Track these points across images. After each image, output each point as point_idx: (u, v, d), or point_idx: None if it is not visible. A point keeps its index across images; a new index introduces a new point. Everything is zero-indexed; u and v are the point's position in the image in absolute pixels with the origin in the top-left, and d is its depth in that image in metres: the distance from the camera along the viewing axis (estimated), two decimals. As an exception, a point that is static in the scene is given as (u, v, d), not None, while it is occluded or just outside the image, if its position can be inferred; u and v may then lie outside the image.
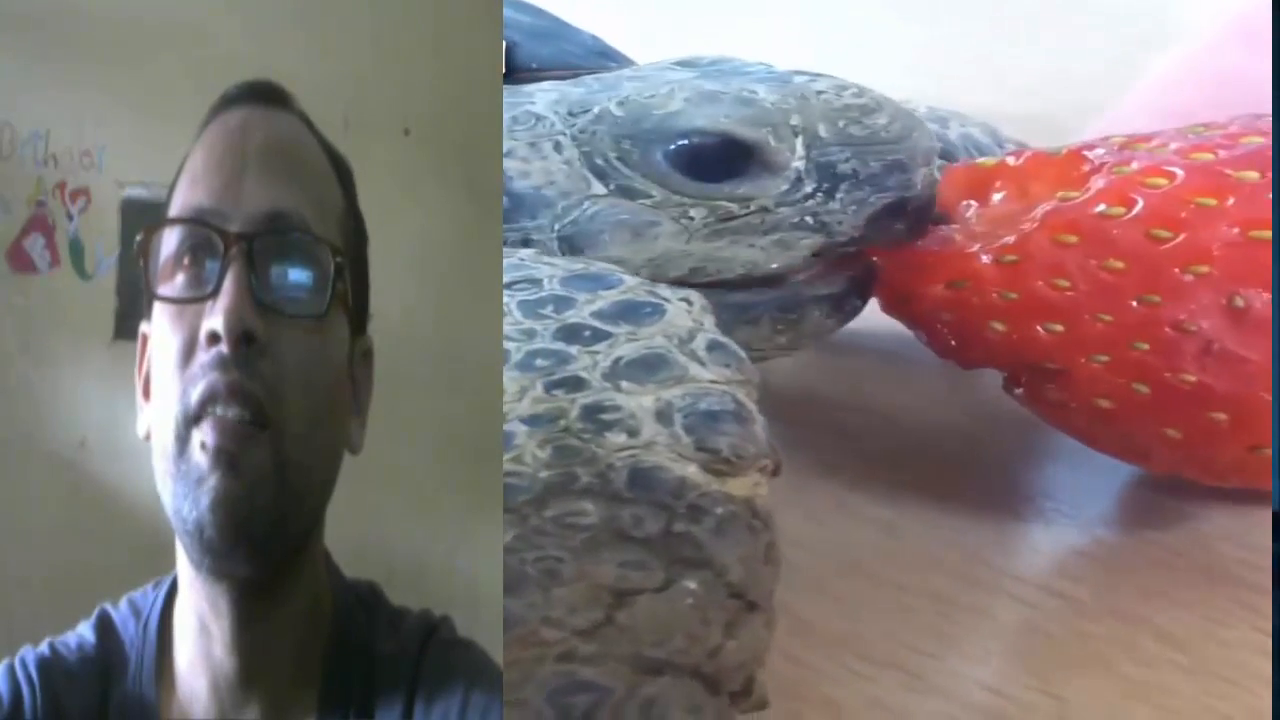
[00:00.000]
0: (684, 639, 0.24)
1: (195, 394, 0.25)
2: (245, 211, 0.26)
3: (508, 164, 0.37)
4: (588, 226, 0.36)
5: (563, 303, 0.30)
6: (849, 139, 0.36)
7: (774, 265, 0.36)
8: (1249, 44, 0.43)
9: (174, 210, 0.26)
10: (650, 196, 0.36)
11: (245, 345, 0.25)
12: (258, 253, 0.25)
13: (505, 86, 0.40)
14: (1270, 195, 0.33)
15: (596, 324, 0.29)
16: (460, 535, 0.50)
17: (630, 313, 0.30)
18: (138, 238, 0.26)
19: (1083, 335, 0.34)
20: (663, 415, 0.27)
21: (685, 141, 0.36)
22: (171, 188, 0.27)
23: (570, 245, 0.36)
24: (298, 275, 0.26)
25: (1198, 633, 0.34)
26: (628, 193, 0.36)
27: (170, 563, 0.27)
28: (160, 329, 0.26)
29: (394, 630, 0.28)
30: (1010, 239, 0.35)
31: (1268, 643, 0.34)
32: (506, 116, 0.38)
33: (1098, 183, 0.35)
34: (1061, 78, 0.63)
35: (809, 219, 0.36)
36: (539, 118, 0.37)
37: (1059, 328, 0.34)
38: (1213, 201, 0.33)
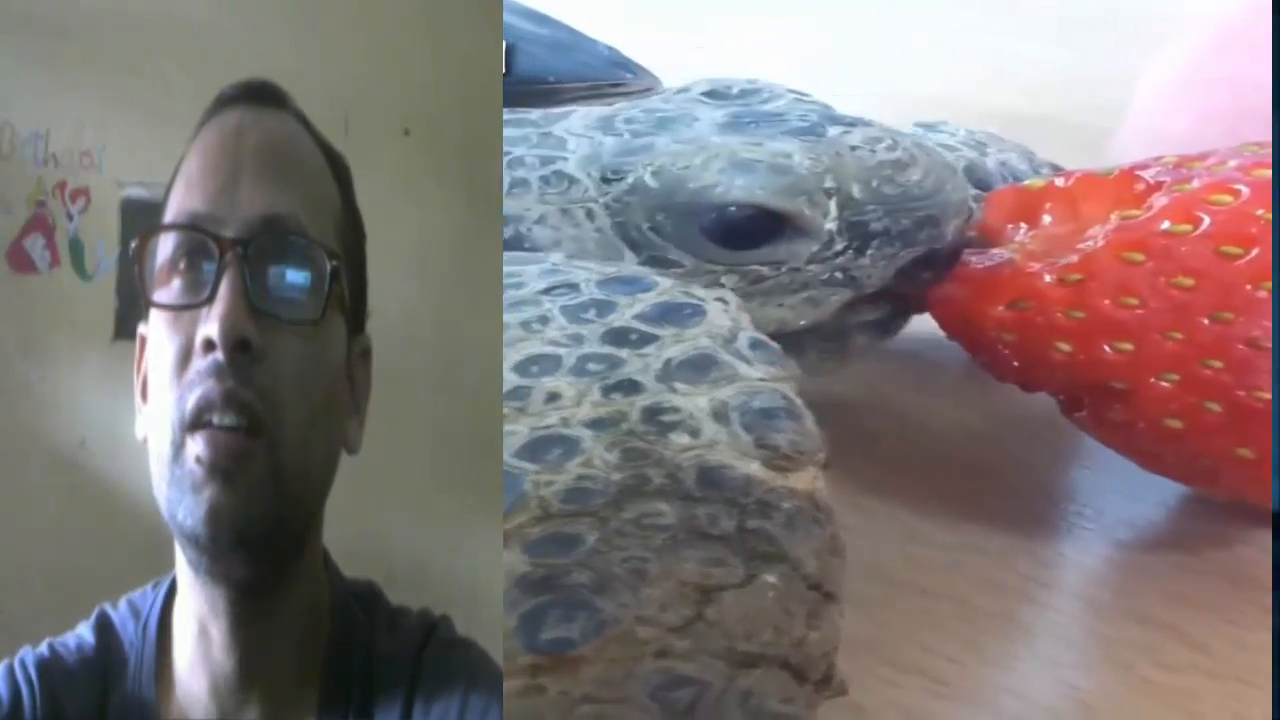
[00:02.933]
0: (771, 632, 0.25)
1: (191, 401, 0.25)
2: (240, 216, 0.26)
3: (539, 231, 0.36)
4: None
5: (604, 306, 0.30)
6: (882, 198, 0.36)
7: (803, 322, 0.36)
8: (1254, 45, 0.43)
9: (169, 215, 0.26)
10: (682, 266, 0.36)
11: (241, 352, 0.25)
12: (253, 258, 0.25)
13: (533, 117, 0.40)
14: None
15: (641, 327, 0.30)
16: (460, 535, 0.50)
17: (672, 314, 0.30)
18: (133, 243, 0.26)
19: (1152, 354, 0.33)
20: (719, 415, 0.27)
21: (719, 214, 0.35)
22: (167, 191, 0.27)
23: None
24: (294, 279, 0.26)
25: (1221, 637, 0.34)
26: (660, 262, 0.36)
27: (169, 563, 0.27)
28: (156, 334, 0.26)
29: (393, 630, 0.28)
30: (1074, 258, 0.34)
31: None
32: (541, 169, 0.37)
33: (1160, 200, 0.34)
34: (1078, 77, 0.63)
35: (838, 274, 0.36)
36: (572, 180, 0.37)
37: (1128, 347, 0.34)
38: None
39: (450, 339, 0.51)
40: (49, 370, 0.52)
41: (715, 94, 0.39)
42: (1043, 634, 0.35)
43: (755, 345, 0.30)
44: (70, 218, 0.53)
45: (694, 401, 0.28)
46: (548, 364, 0.29)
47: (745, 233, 0.36)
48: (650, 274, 0.32)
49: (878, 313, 0.38)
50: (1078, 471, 0.41)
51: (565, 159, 0.37)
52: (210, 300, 0.25)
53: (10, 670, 0.28)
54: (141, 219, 0.51)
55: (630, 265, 0.34)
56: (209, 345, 0.25)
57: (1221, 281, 0.33)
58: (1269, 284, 0.33)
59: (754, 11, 0.76)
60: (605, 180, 0.36)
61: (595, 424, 0.27)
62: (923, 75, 0.66)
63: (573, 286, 0.31)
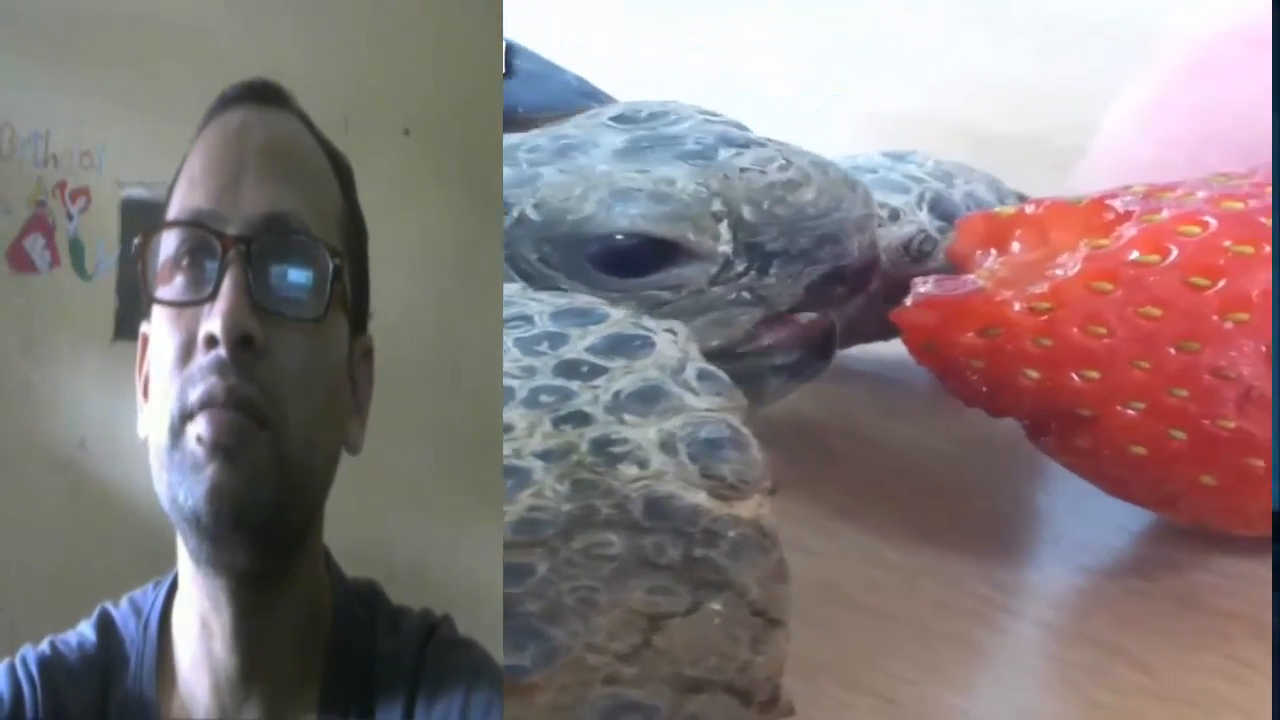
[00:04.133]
0: (717, 658, 0.26)
1: (192, 395, 0.25)
2: (243, 214, 0.26)
3: None
4: None
5: (557, 339, 0.31)
6: (774, 218, 0.36)
7: (714, 342, 0.36)
8: (1221, 73, 0.43)
9: (172, 213, 0.26)
10: (577, 296, 0.35)
11: (243, 349, 0.25)
12: (256, 255, 0.25)
13: None
14: None
15: (592, 359, 0.30)
16: (460, 535, 0.50)
17: (622, 346, 0.31)
18: (135, 240, 0.26)
19: (1119, 382, 0.34)
20: (667, 445, 0.28)
21: (603, 244, 0.35)
22: (170, 189, 0.27)
23: None
24: (296, 277, 0.26)
25: (1169, 660, 0.34)
26: (557, 292, 0.35)
27: (170, 562, 0.27)
28: (159, 331, 0.26)
29: (395, 629, 0.28)
30: (1043, 287, 0.35)
31: (1239, 670, 0.34)
32: None
33: (1128, 231, 0.34)
34: (1053, 95, 0.63)
35: (745, 294, 0.36)
36: None
37: (1095, 375, 0.34)
38: (1249, 249, 0.33)
39: (450, 339, 0.51)
40: (49, 370, 0.52)
41: (624, 118, 0.39)
42: (997, 656, 0.36)
43: (703, 376, 0.30)
44: (70, 218, 0.53)
45: (642, 432, 0.28)
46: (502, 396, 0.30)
47: (633, 261, 0.36)
48: (601, 305, 0.33)
49: (791, 356, 0.38)
50: (1038, 495, 0.41)
51: None
52: (213, 297, 0.25)
53: (11, 668, 0.28)
54: (141, 219, 0.51)
55: (583, 296, 0.34)
56: (211, 341, 0.25)
57: (1189, 312, 0.33)
58: (1236, 315, 0.33)
59: (742, 26, 0.76)
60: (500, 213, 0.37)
61: (546, 455, 0.28)
62: (905, 93, 0.66)
63: (527, 319, 0.32)
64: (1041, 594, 0.37)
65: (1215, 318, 0.33)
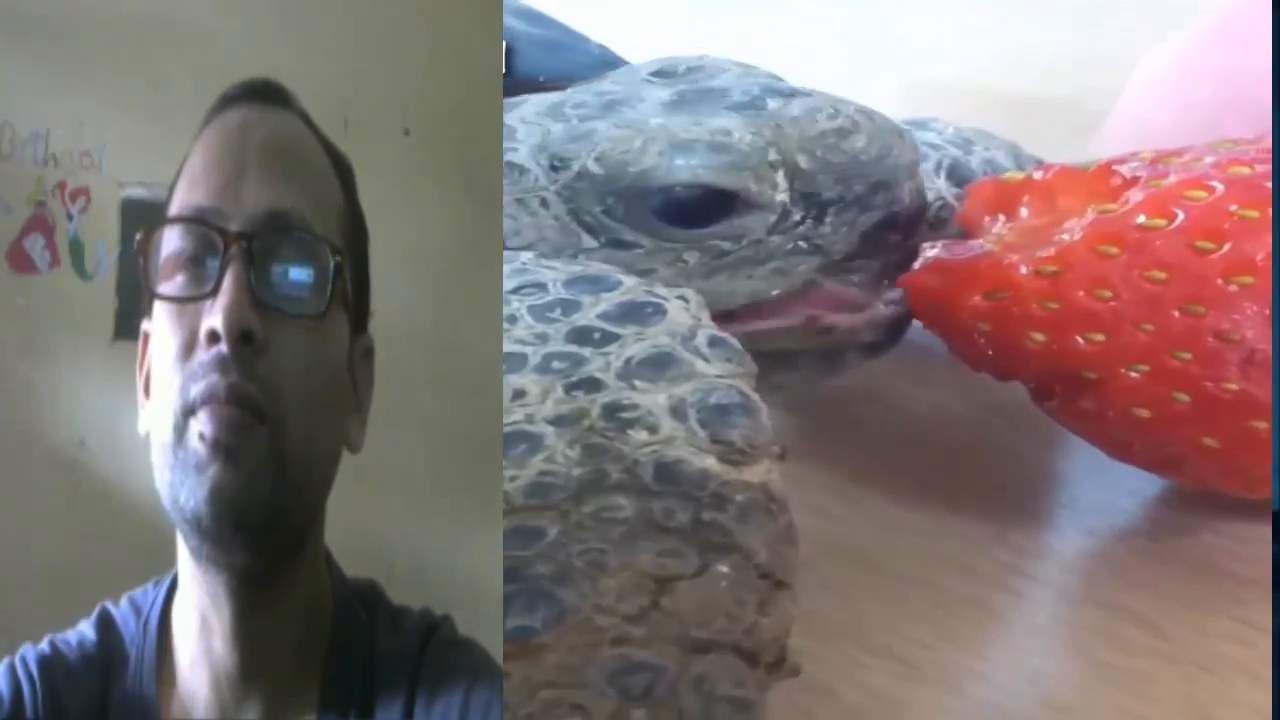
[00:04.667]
0: (724, 619, 0.26)
1: (194, 392, 0.25)
2: (245, 211, 0.26)
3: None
4: None
5: (569, 306, 0.31)
6: (828, 166, 0.36)
7: (775, 291, 0.37)
8: (1246, 38, 0.43)
9: (174, 209, 0.26)
10: (641, 247, 0.36)
11: (245, 344, 0.25)
12: (257, 252, 0.26)
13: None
14: None
15: (604, 325, 0.31)
16: (460, 535, 0.50)
17: (634, 313, 0.31)
18: (137, 236, 0.26)
19: (1124, 345, 0.34)
20: (677, 411, 0.29)
21: (666, 195, 0.36)
22: (171, 187, 0.27)
23: None
24: (297, 274, 0.26)
25: (1181, 622, 0.35)
26: (620, 245, 0.37)
27: (170, 561, 0.27)
28: (160, 327, 0.26)
29: (395, 629, 0.28)
30: (1050, 250, 0.35)
31: (1248, 632, 0.34)
32: None
33: (1135, 195, 0.35)
34: (1087, 61, 0.63)
35: (802, 243, 0.37)
36: (522, 170, 0.37)
37: (1100, 338, 0.34)
38: (1255, 214, 0.34)
39: (450, 339, 0.51)
40: (49, 370, 0.52)
41: (663, 73, 0.40)
42: (1011, 619, 0.36)
43: (714, 343, 0.30)
44: (70, 218, 0.53)
45: (653, 398, 0.29)
46: (514, 362, 0.30)
47: (695, 211, 0.36)
48: (615, 273, 0.33)
49: (876, 336, 0.39)
50: (1056, 459, 0.41)
51: (515, 149, 0.38)
52: (214, 293, 0.25)
53: (11, 667, 0.28)
54: (141, 219, 0.51)
55: (596, 264, 0.34)
56: (213, 337, 0.25)
57: (1194, 275, 0.34)
58: (1240, 279, 0.33)
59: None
60: (553, 168, 0.37)
61: (558, 420, 0.28)
62: (939, 60, 0.66)
63: (540, 286, 0.32)
64: (1056, 557, 0.38)
65: (1220, 281, 0.33)
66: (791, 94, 0.37)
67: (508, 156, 0.38)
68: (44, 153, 0.52)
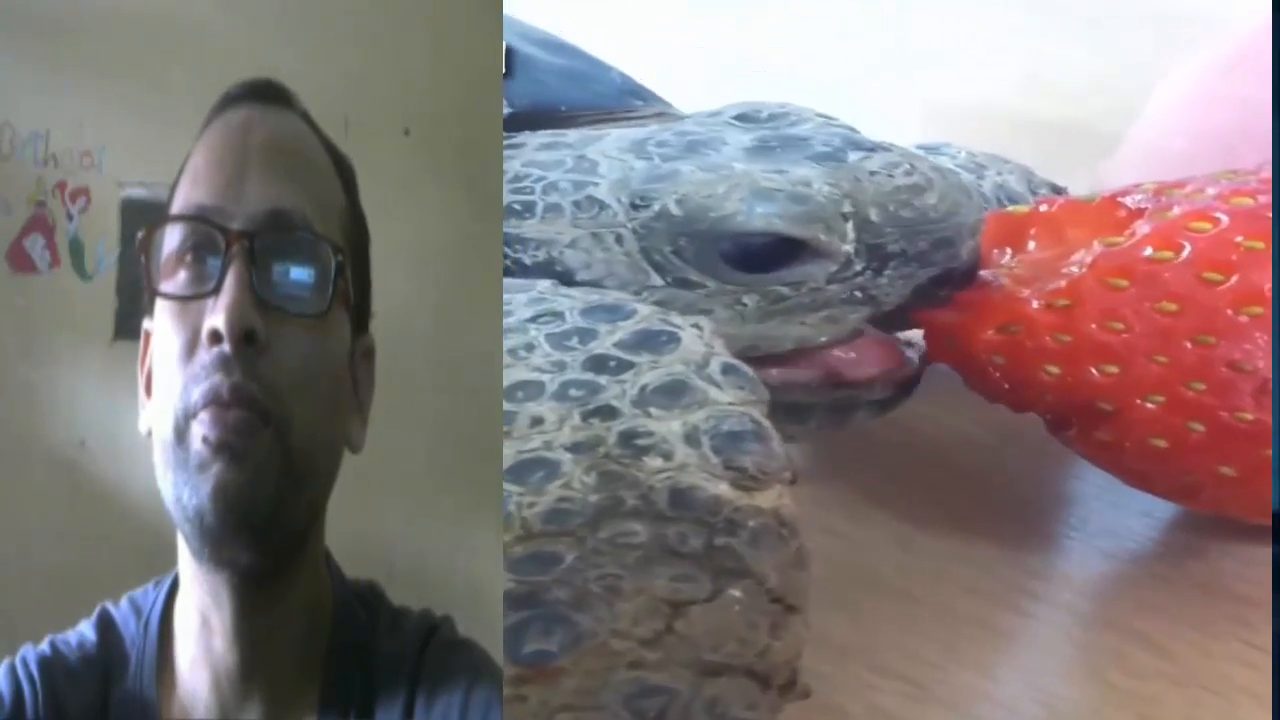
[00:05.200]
0: (736, 643, 0.27)
1: (197, 392, 0.25)
2: (247, 209, 0.26)
3: (570, 254, 0.38)
4: None
5: (586, 334, 0.32)
6: (899, 221, 0.36)
7: (823, 339, 0.37)
8: (1262, 68, 0.43)
9: (176, 208, 0.26)
10: (705, 287, 0.37)
11: (247, 343, 0.25)
12: (259, 250, 0.26)
13: (569, 140, 0.41)
14: None
15: (620, 354, 0.31)
16: (460, 535, 0.50)
17: (648, 341, 0.31)
18: (139, 234, 0.26)
19: (1138, 376, 0.34)
20: (691, 438, 0.29)
21: (737, 240, 0.37)
22: (174, 186, 0.27)
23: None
24: (299, 273, 0.26)
25: (1189, 645, 0.35)
26: (684, 284, 0.37)
27: (170, 562, 0.27)
28: (162, 326, 0.26)
29: (395, 630, 0.28)
30: (1060, 284, 0.35)
31: (1255, 656, 0.34)
32: (574, 194, 0.38)
33: (1142, 228, 0.35)
34: (1103, 83, 0.63)
35: (857, 294, 0.37)
36: (603, 206, 0.38)
37: (1114, 369, 0.35)
38: (1260, 245, 0.34)
39: (450, 339, 0.51)
40: (49, 370, 0.52)
41: (745, 117, 0.40)
42: (1020, 640, 0.36)
43: (727, 370, 0.31)
44: (70, 218, 0.53)
45: (667, 425, 0.29)
46: (532, 390, 0.30)
47: (764, 257, 0.37)
48: (630, 301, 0.34)
49: (887, 394, 0.39)
50: (1067, 480, 0.41)
51: (597, 184, 0.38)
52: (216, 292, 0.25)
53: (12, 668, 0.28)
54: (141, 219, 0.51)
55: (613, 293, 0.35)
56: (215, 336, 0.25)
57: (1204, 306, 0.34)
58: (1250, 309, 0.34)
59: (788, 16, 0.75)
60: (634, 206, 0.38)
61: (575, 447, 0.29)
62: (955, 81, 0.67)
63: (557, 315, 0.33)
64: (1067, 579, 0.38)
65: (1230, 312, 0.34)
66: (872, 148, 0.38)
67: (588, 191, 0.38)
68: (44, 153, 0.52)
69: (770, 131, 0.39)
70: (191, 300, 0.25)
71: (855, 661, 0.34)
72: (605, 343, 0.31)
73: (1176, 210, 0.35)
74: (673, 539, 0.27)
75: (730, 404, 0.30)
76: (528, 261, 0.38)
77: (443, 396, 0.51)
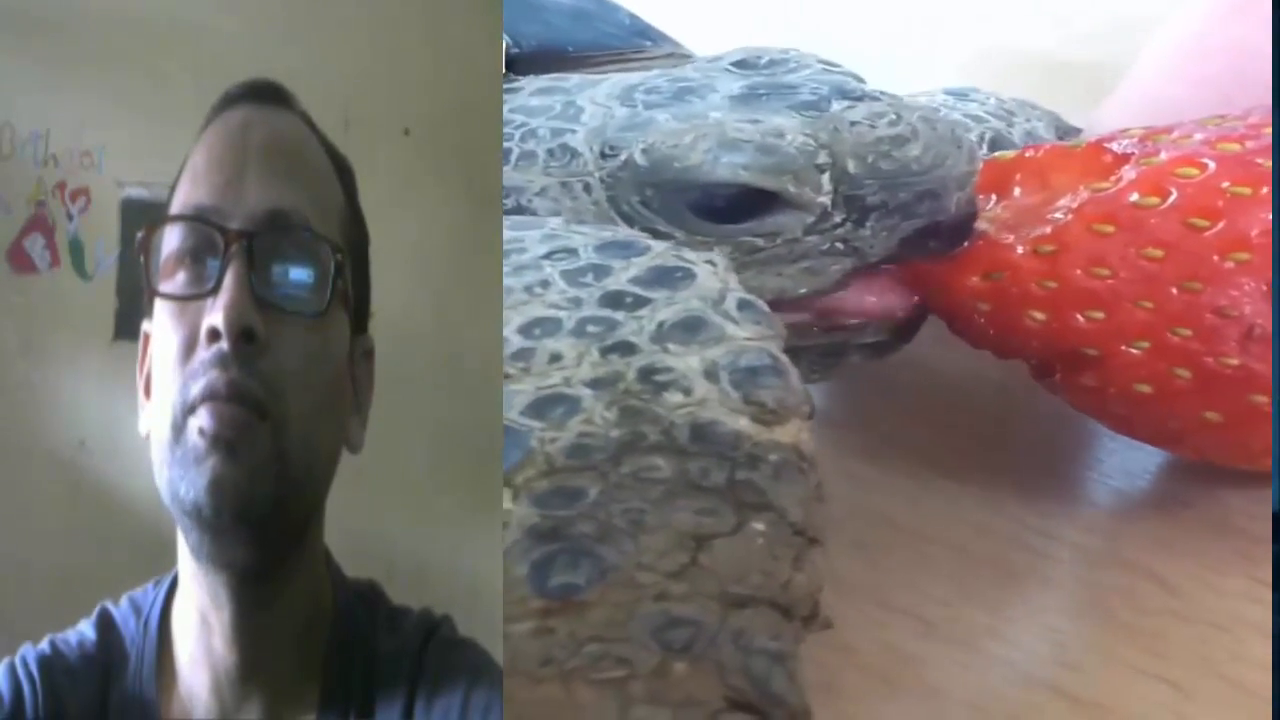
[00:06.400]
0: (760, 575, 0.27)
1: (195, 389, 0.25)
2: (246, 209, 0.26)
3: (539, 202, 0.37)
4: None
5: (601, 271, 0.32)
6: (878, 173, 0.36)
7: (802, 290, 0.37)
8: (1259, 14, 0.43)
9: (175, 208, 0.26)
10: (673, 239, 0.36)
11: (246, 342, 0.25)
12: (258, 250, 0.26)
13: (568, 84, 0.40)
14: None
15: (636, 290, 0.31)
16: (460, 535, 0.50)
17: (664, 278, 0.31)
18: (139, 235, 0.26)
19: (1123, 322, 0.34)
20: (710, 373, 0.29)
21: (704, 191, 0.36)
22: (173, 186, 0.27)
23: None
24: (298, 273, 0.26)
25: (1196, 581, 0.35)
26: (652, 235, 0.36)
27: (170, 561, 0.27)
28: (161, 326, 0.26)
29: (395, 629, 0.28)
30: (1046, 230, 0.35)
31: (1262, 592, 0.35)
32: (550, 141, 0.38)
33: (1128, 173, 0.35)
34: (1125, 23, 0.63)
35: (839, 245, 0.37)
36: (574, 154, 0.37)
37: (1099, 315, 0.35)
38: (1247, 190, 0.34)
39: (450, 339, 0.51)
40: (49, 370, 0.52)
41: (744, 64, 0.39)
42: (1030, 578, 0.36)
43: (743, 306, 0.31)
44: (70, 218, 0.53)
45: (686, 361, 0.29)
46: (549, 326, 0.30)
47: (732, 208, 0.36)
48: (643, 238, 0.33)
49: (880, 336, 0.39)
50: (1084, 420, 0.41)
51: (575, 131, 0.38)
52: (215, 291, 0.25)
53: (12, 667, 0.28)
54: (141, 219, 0.50)
55: (624, 230, 0.35)
56: (214, 335, 0.25)
57: (1190, 252, 0.34)
58: (1236, 255, 0.33)
59: None
60: (603, 155, 0.37)
61: (594, 383, 0.29)
62: (982, 25, 0.66)
63: (571, 251, 0.33)
64: (1079, 519, 0.38)
65: (1216, 258, 0.34)
66: (860, 96, 0.37)
67: (563, 139, 0.38)
68: (44, 153, 0.52)
69: (763, 78, 0.38)
70: (190, 300, 0.25)
71: (867, 600, 0.35)
72: (620, 279, 0.31)
73: (1163, 155, 0.35)
74: (695, 473, 0.27)
75: (748, 339, 0.30)
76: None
77: (443, 396, 0.51)
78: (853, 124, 0.36)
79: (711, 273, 0.32)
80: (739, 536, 0.27)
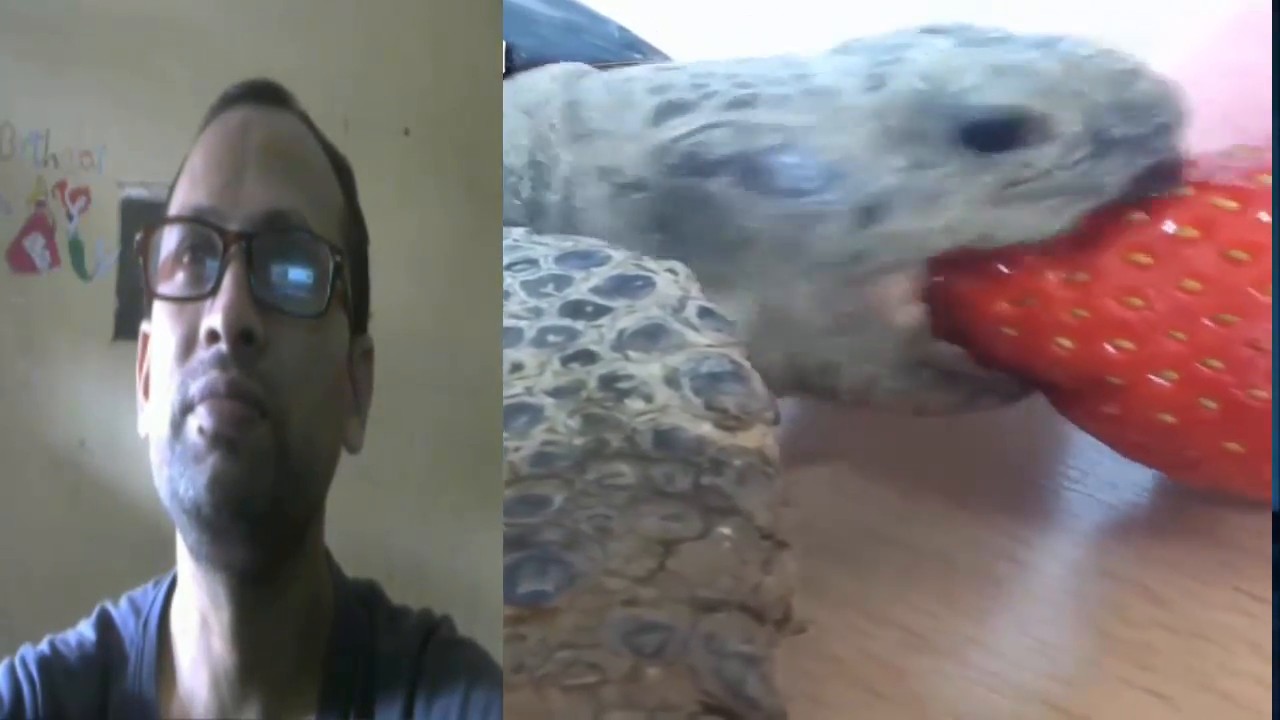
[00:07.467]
0: (729, 579, 0.27)
1: (193, 388, 0.25)
2: (245, 210, 0.26)
3: (803, 139, 0.37)
4: (885, 199, 0.36)
5: (561, 281, 0.32)
6: (1124, 104, 0.36)
7: (1056, 228, 0.36)
8: (1261, 35, 0.43)
9: (174, 209, 0.26)
10: (944, 167, 0.36)
11: (245, 343, 0.25)
12: (257, 251, 0.25)
13: (771, 58, 0.40)
14: None
15: (596, 299, 0.31)
16: (460, 535, 0.50)
17: (624, 287, 0.32)
18: (137, 236, 0.26)
19: (1153, 353, 0.34)
20: (671, 380, 0.29)
21: (976, 116, 0.36)
22: (172, 187, 0.27)
23: (868, 216, 0.36)
24: (297, 274, 0.26)
25: (1182, 592, 0.35)
26: (923, 164, 0.36)
27: (170, 561, 0.27)
28: (160, 327, 0.26)
29: (395, 629, 0.28)
30: (1078, 258, 0.35)
31: (1251, 604, 0.35)
32: (793, 88, 0.37)
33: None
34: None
35: (1082, 180, 0.36)
36: (831, 92, 0.37)
37: (1130, 345, 0.34)
38: None
39: (450, 339, 0.51)
40: (49, 370, 0.52)
41: (933, 30, 0.39)
42: (1017, 590, 0.37)
43: (703, 314, 0.31)
44: (70, 218, 0.53)
45: (647, 368, 0.29)
46: (511, 336, 0.31)
47: (998, 134, 0.36)
48: (604, 248, 0.34)
49: (1010, 389, 0.38)
50: (1070, 430, 0.41)
51: (814, 75, 0.38)
52: (214, 292, 0.25)
53: (11, 668, 0.28)
54: (141, 219, 0.51)
55: (586, 240, 0.35)
56: (213, 336, 0.25)
57: (1227, 285, 0.34)
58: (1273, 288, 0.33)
59: None
60: (870, 88, 0.37)
61: (557, 392, 0.29)
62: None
63: (532, 262, 0.33)
64: (1066, 530, 0.38)
65: (1252, 291, 0.33)
66: (1080, 42, 0.37)
67: (810, 81, 0.37)
68: (44, 153, 0.52)
69: (974, 33, 0.38)
70: (189, 301, 0.25)
71: (853, 611, 0.35)
72: (581, 288, 0.32)
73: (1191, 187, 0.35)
74: (660, 479, 0.28)
75: (709, 346, 0.30)
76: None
77: (443, 396, 0.51)
78: (1088, 56, 0.36)
79: (672, 281, 0.32)
80: (706, 541, 0.27)
